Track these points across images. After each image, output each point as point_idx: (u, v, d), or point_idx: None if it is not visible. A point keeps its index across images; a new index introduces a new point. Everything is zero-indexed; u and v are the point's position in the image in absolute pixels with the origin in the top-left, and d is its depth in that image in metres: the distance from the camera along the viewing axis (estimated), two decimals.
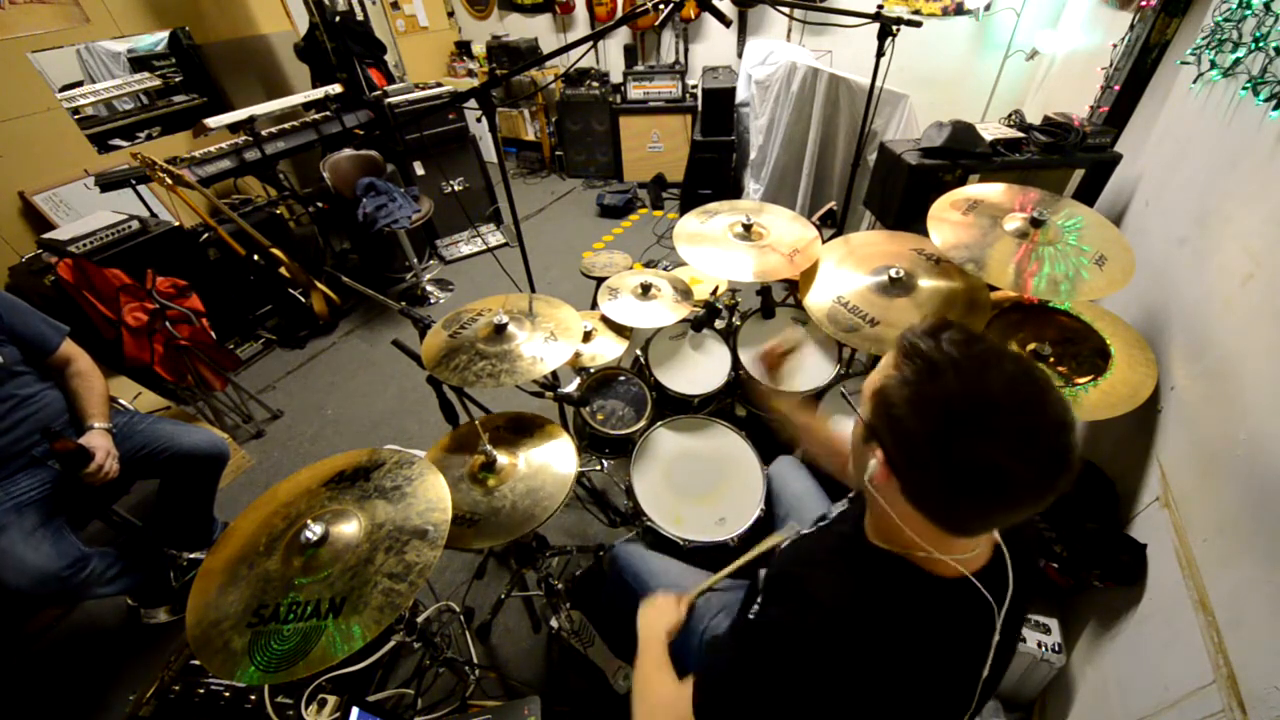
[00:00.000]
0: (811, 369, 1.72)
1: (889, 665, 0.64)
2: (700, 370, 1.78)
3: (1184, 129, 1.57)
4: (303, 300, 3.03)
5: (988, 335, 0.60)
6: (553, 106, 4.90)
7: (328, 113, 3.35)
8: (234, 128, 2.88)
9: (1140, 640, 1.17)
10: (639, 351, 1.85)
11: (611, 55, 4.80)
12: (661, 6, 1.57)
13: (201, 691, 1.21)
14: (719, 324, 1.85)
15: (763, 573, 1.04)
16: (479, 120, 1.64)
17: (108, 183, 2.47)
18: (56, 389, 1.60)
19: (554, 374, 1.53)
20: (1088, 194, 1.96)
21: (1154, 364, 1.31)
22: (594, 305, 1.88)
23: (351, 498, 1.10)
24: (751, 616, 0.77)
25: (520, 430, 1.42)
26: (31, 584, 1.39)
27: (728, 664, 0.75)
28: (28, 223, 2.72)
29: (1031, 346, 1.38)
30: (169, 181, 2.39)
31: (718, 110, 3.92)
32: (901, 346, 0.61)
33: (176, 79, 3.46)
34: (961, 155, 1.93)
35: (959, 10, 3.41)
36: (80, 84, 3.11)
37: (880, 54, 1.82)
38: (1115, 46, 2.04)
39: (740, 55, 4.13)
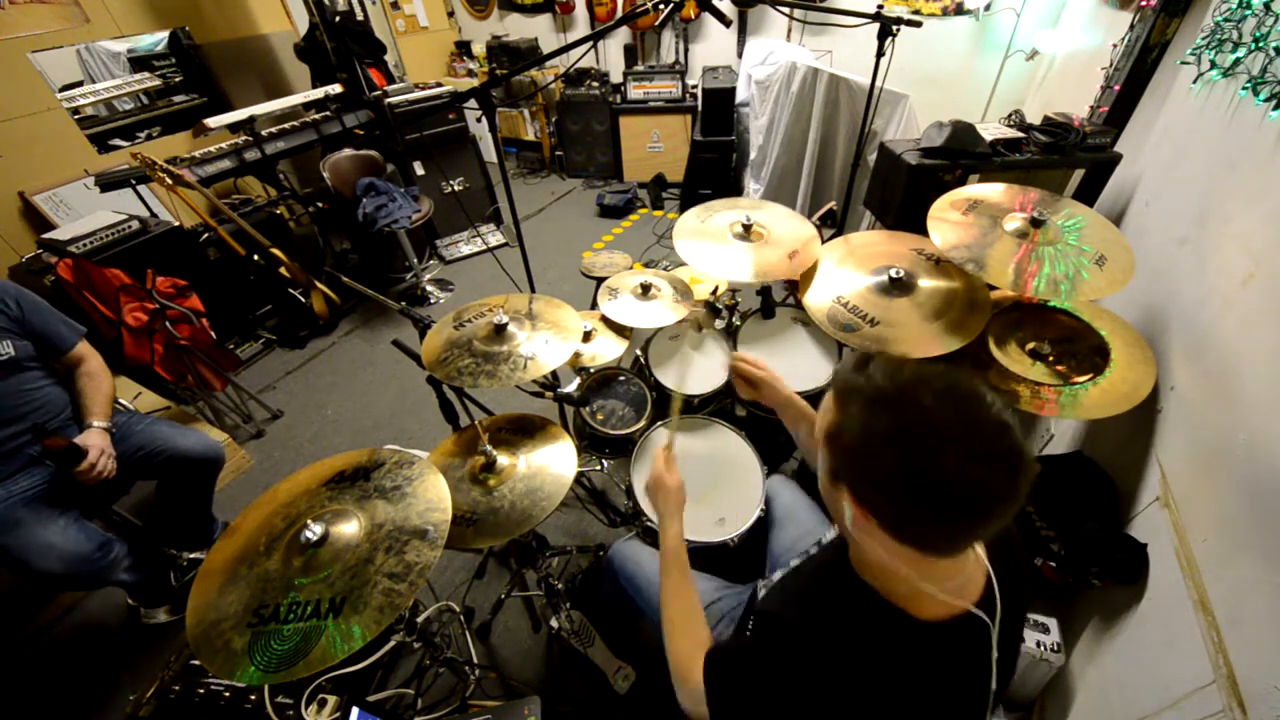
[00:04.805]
0: (810, 369, 1.72)
1: (875, 705, 0.65)
2: (700, 370, 1.78)
3: (1184, 129, 1.57)
4: (303, 300, 3.03)
5: (909, 359, 0.63)
6: (553, 106, 4.89)
7: (328, 113, 3.35)
8: (234, 128, 2.88)
9: (1140, 640, 1.17)
10: (639, 351, 1.85)
11: (611, 55, 4.80)
12: (661, 6, 1.57)
13: (201, 691, 1.21)
14: (719, 324, 1.85)
15: (761, 590, 1.05)
16: (479, 120, 1.64)
17: (108, 183, 2.47)
18: (60, 386, 1.62)
19: (554, 374, 1.53)
20: (1088, 194, 1.96)
21: (1153, 362, 1.31)
22: (594, 305, 1.88)
23: (351, 498, 1.10)
24: (742, 646, 0.80)
25: (520, 431, 1.42)
26: (66, 567, 1.44)
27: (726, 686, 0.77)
28: (28, 223, 2.72)
29: (1031, 345, 1.38)
30: (169, 181, 2.39)
31: (718, 110, 3.92)
32: (836, 391, 0.64)
33: (176, 79, 3.46)
34: (961, 155, 1.93)
35: (959, 10, 3.41)
36: (80, 84, 3.10)
37: (880, 54, 1.82)
38: (1115, 46, 2.04)
39: (740, 55, 4.12)
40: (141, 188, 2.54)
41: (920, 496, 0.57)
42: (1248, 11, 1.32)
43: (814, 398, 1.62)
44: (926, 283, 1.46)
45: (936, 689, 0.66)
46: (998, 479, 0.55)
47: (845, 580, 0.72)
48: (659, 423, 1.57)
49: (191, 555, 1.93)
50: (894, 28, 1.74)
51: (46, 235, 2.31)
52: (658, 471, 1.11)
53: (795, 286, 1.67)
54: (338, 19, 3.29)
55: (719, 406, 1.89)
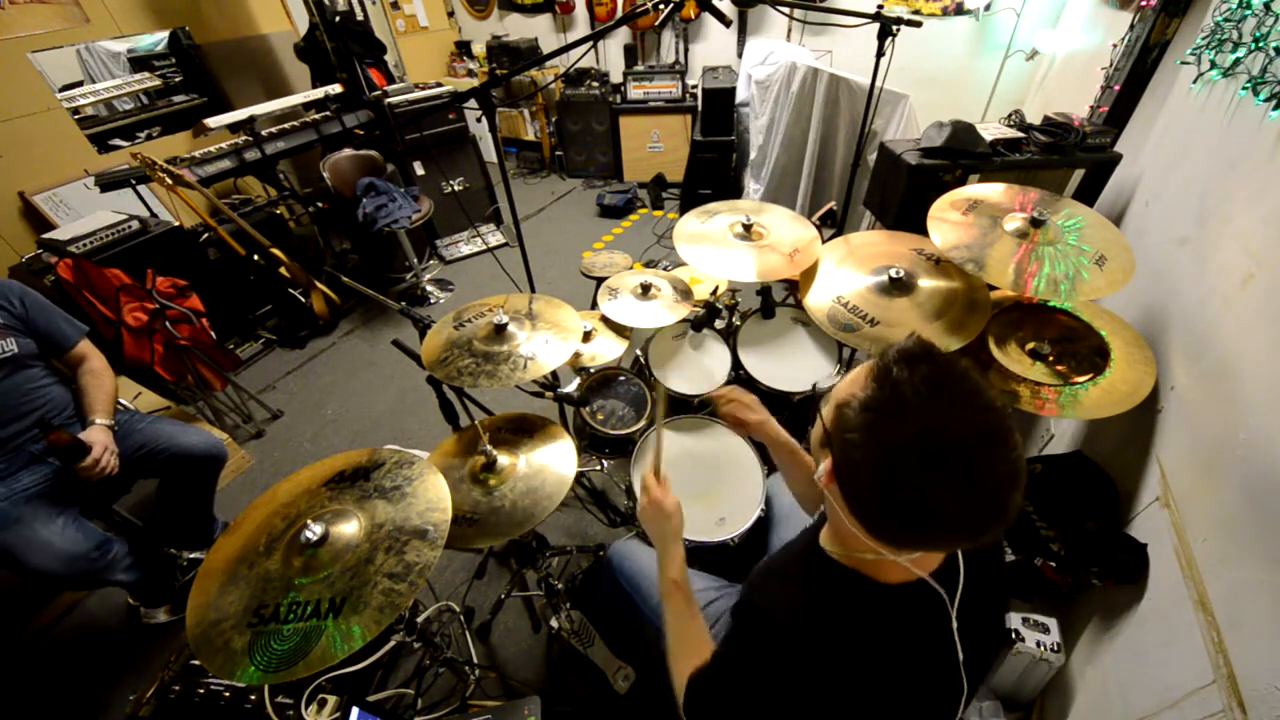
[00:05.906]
0: (810, 369, 1.72)
1: (846, 675, 0.65)
2: (700, 370, 1.78)
3: (1184, 129, 1.57)
4: (303, 300, 3.03)
5: (969, 371, 0.57)
6: (553, 106, 4.89)
7: (328, 113, 3.35)
8: (234, 128, 2.88)
9: (1140, 640, 1.17)
10: (639, 351, 1.85)
11: (611, 55, 4.80)
12: (661, 6, 1.57)
13: (201, 691, 1.21)
14: (719, 324, 1.85)
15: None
16: (479, 120, 1.65)
17: (108, 183, 2.47)
18: (62, 385, 1.62)
19: (554, 374, 1.53)
20: (1088, 194, 1.96)
21: (1153, 362, 1.31)
22: (594, 305, 1.88)
23: (351, 498, 1.10)
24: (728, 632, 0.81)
25: (520, 431, 1.42)
26: (63, 566, 1.44)
27: (713, 676, 0.78)
28: (28, 223, 2.72)
29: (1030, 345, 1.38)
30: (169, 181, 2.39)
31: (718, 110, 3.92)
32: (876, 366, 0.59)
33: (176, 79, 3.46)
34: (961, 155, 1.93)
35: (959, 10, 3.41)
36: (80, 84, 3.11)
37: (880, 54, 1.82)
38: (1115, 46, 2.04)
39: (740, 55, 4.12)
40: (141, 188, 2.54)
41: (897, 507, 0.57)
42: (1248, 11, 1.32)
43: (810, 399, 1.63)
44: (926, 283, 1.46)
45: (897, 648, 0.66)
46: (979, 524, 0.56)
47: (813, 557, 0.74)
48: (649, 431, 1.43)
49: (192, 555, 1.93)
50: (894, 28, 1.74)
51: (46, 235, 2.31)
52: (654, 497, 1.01)
53: (795, 286, 1.67)
54: (338, 19, 3.29)
55: None
